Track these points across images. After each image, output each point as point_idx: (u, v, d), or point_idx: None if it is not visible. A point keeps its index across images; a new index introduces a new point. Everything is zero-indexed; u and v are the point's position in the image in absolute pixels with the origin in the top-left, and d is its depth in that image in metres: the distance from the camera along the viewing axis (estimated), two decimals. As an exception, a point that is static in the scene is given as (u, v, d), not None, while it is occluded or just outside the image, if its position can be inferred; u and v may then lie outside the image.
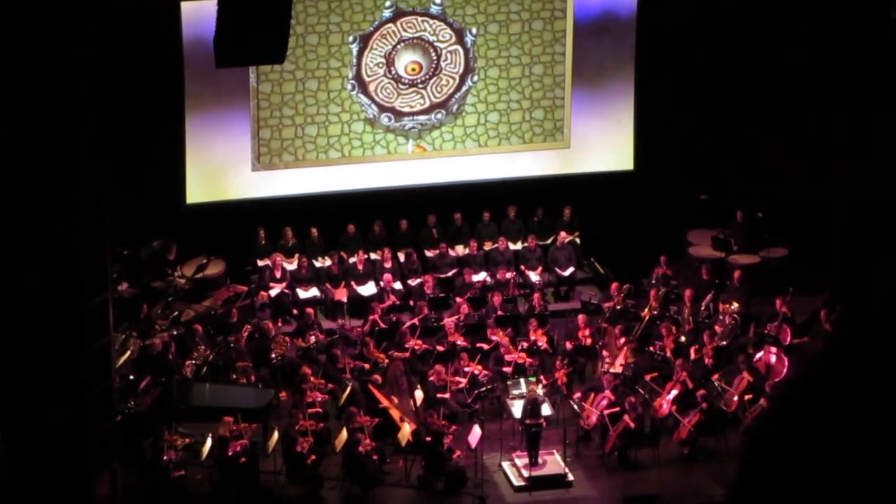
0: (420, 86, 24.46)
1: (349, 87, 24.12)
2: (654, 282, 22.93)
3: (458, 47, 24.43)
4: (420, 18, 24.23)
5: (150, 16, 22.02)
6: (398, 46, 24.22)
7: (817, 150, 23.89)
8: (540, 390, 19.95)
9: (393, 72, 24.30)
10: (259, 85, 23.78)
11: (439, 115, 24.57)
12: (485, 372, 20.83)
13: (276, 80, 23.82)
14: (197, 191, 23.73)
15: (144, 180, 22.67)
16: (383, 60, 24.19)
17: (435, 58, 24.39)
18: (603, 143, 25.11)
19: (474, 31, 24.40)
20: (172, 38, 22.71)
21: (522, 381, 20.33)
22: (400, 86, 24.38)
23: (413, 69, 24.33)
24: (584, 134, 25.02)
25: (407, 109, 24.46)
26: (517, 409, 19.89)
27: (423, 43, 24.31)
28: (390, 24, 24.12)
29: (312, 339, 21.78)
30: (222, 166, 23.86)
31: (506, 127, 24.84)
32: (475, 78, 24.56)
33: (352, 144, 24.36)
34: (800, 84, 23.93)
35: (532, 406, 19.54)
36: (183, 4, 22.58)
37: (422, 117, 24.51)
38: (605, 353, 21.24)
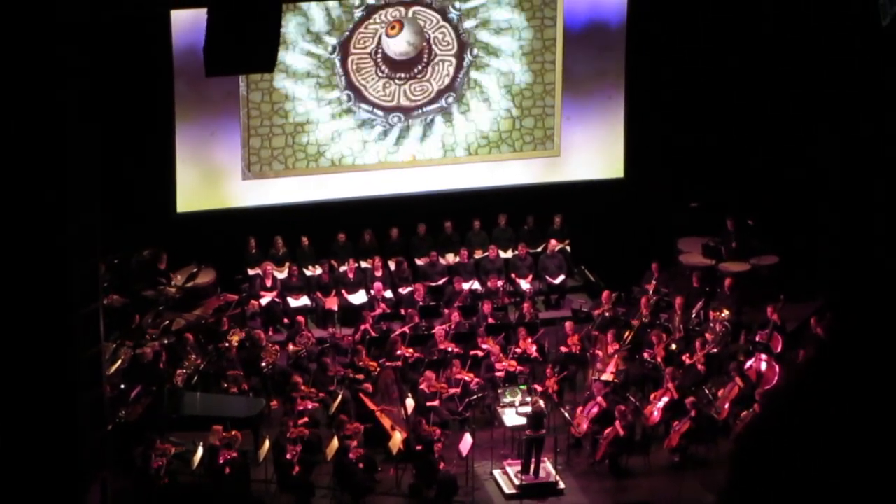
0: (420, 76, 24.38)
1: (345, 97, 24.09)
2: (645, 289, 22.96)
3: (445, 25, 24.34)
4: (394, 8, 24.10)
5: (140, 24, 22.01)
6: (381, 42, 24.05)
7: (808, 157, 23.93)
8: (541, 402, 19.93)
9: (385, 71, 24.22)
10: (249, 94, 23.77)
11: (450, 99, 24.51)
12: (476, 380, 20.84)
13: (266, 88, 23.81)
14: (187, 200, 23.72)
15: (135, 189, 22.65)
16: (371, 62, 24.12)
17: (425, 44, 24.27)
18: (593, 151, 25.13)
19: (458, 4, 24.31)
20: (162, 47, 22.69)
21: (528, 391, 20.29)
22: (397, 81, 24.31)
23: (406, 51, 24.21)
24: (575, 142, 25.03)
25: (414, 103, 24.40)
26: (508, 417, 19.91)
27: (410, 21, 24.12)
28: (367, 22, 23.99)
29: (303, 341, 21.77)
30: (213, 175, 23.85)
31: (496, 135, 24.84)
32: (474, 51, 24.47)
33: (342, 153, 24.35)
34: (790, 91, 23.98)
35: (535, 418, 19.52)
36: (173, 13, 22.56)
37: (433, 106, 24.44)
38: (598, 360, 21.24)
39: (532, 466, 19.39)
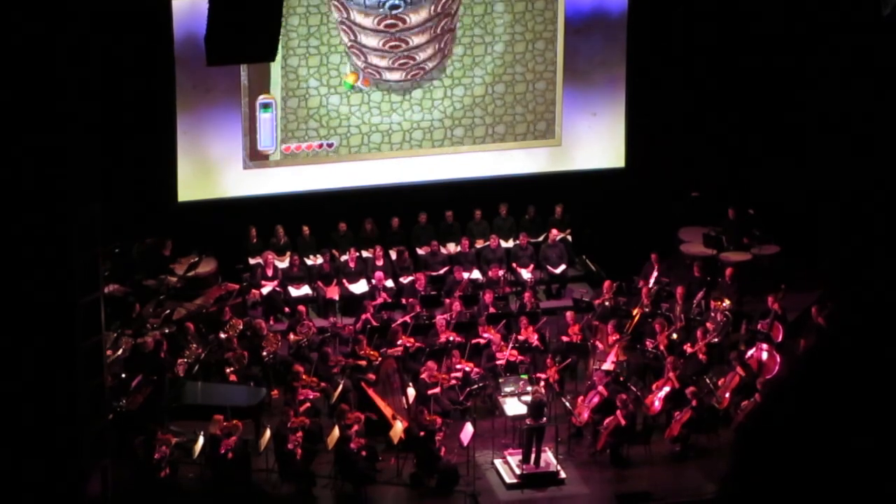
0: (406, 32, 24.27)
1: (336, 16, 23.88)
2: (645, 279, 22.97)
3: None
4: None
5: (141, 13, 21.99)
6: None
7: (808, 147, 23.91)
8: (542, 392, 19.93)
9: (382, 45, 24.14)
10: (250, 83, 23.75)
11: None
12: (477, 369, 20.84)
13: (268, 78, 23.79)
14: (188, 189, 23.71)
15: (136, 178, 22.64)
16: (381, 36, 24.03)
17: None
18: (594, 140, 25.12)
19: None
20: (164, 36, 22.67)
21: (528, 380, 20.30)
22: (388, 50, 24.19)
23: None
24: (576, 132, 25.02)
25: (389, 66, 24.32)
26: (509, 406, 19.92)
27: None
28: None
29: (304, 331, 21.76)
30: (214, 164, 23.84)
31: (497, 125, 24.82)
32: (448, 70, 24.39)
33: (343, 143, 24.33)
34: (791, 81, 23.96)
35: (536, 407, 19.53)
36: (174, 2, 22.55)
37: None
38: (599, 350, 21.25)
39: (533, 456, 19.39)
